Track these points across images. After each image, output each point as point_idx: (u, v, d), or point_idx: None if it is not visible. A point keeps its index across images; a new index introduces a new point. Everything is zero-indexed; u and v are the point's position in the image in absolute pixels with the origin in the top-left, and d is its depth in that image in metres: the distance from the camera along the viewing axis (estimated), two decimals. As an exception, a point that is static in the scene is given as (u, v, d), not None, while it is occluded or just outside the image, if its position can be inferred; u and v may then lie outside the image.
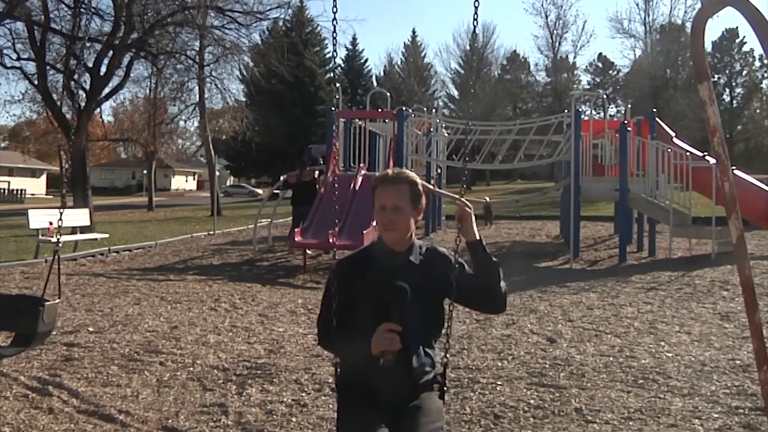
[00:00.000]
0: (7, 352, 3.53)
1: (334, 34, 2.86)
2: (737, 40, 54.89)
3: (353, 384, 2.24)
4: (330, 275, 2.34)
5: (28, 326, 3.31)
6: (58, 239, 3.54)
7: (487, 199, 16.07)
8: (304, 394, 4.20)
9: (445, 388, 2.32)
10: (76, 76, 17.45)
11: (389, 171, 2.34)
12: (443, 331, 2.34)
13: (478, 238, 2.26)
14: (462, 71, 56.14)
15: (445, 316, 2.33)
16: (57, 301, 3.39)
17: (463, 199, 2.32)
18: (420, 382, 2.23)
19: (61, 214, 3.73)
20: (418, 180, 2.30)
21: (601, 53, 58.81)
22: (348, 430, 2.20)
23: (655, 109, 16.15)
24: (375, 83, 57.17)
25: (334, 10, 2.90)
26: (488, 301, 2.32)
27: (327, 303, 2.28)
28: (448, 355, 2.32)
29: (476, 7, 2.58)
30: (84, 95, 17.18)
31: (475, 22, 2.63)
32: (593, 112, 23.88)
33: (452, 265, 2.27)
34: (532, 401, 4.02)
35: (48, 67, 17.12)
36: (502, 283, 2.29)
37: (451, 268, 2.26)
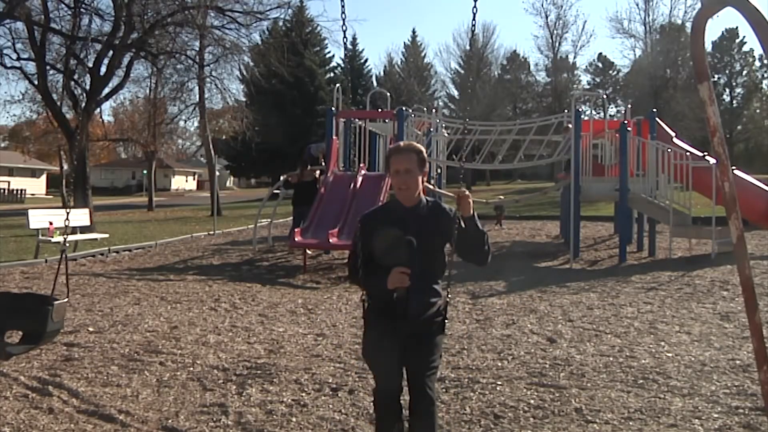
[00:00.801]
0: (16, 350, 3.54)
1: (345, 39, 3.19)
2: (737, 40, 54.88)
3: (377, 314, 2.81)
4: (357, 226, 2.94)
5: (37, 325, 3.32)
6: (65, 239, 3.56)
7: (502, 197, 16.12)
8: (304, 394, 4.20)
9: (446, 321, 2.88)
10: (76, 76, 17.46)
11: (401, 143, 2.96)
12: (445, 272, 2.90)
13: (472, 213, 2.80)
14: (462, 71, 56.13)
15: (446, 259, 2.89)
16: (65, 300, 3.40)
17: (463, 188, 2.86)
18: (427, 313, 2.79)
19: (67, 214, 3.74)
20: (423, 149, 2.90)
21: (601, 53, 58.88)
22: (372, 347, 2.83)
23: (655, 109, 16.15)
24: (375, 83, 57.15)
25: (343, 16, 3.05)
26: (475, 254, 2.87)
27: (354, 247, 2.89)
28: (449, 293, 2.90)
29: (474, 13, 2.77)
30: (84, 95, 17.18)
31: (473, 27, 2.99)
32: (593, 112, 23.90)
33: (452, 218, 2.82)
34: (532, 401, 4.02)
35: (48, 67, 17.12)
36: (486, 246, 2.85)
37: (451, 220, 2.81)
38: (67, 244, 3.58)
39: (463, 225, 2.79)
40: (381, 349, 2.77)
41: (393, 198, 2.94)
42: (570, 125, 13.80)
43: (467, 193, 2.84)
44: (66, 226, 3.62)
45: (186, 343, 5.54)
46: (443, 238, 2.84)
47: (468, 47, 54.96)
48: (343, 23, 3.11)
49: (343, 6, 3.13)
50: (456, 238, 2.79)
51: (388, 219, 2.84)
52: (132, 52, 17.84)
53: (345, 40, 3.17)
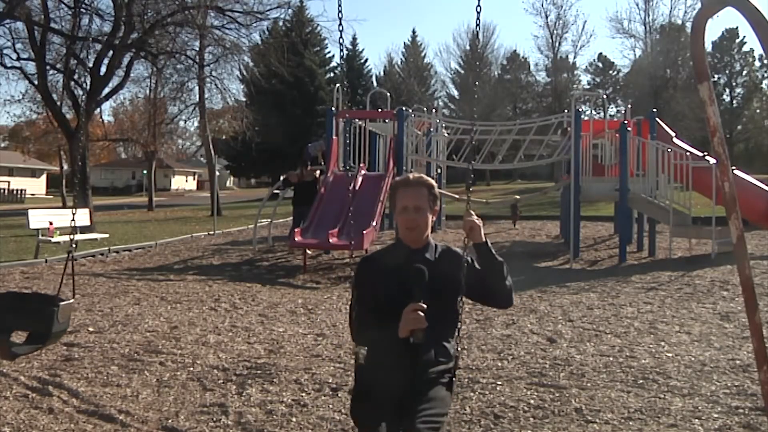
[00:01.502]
0: (22, 351, 3.53)
1: (341, 40, 3.01)
2: (737, 40, 54.85)
3: (371, 377, 2.36)
4: (355, 274, 2.55)
5: (43, 326, 3.32)
6: (72, 239, 3.56)
7: (518, 197, 16.13)
8: (304, 394, 4.20)
9: (454, 379, 2.43)
10: (76, 76, 17.47)
11: (410, 175, 2.53)
12: (458, 326, 2.46)
13: (484, 240, 2.46)
14: (462, 71, 56.13)
15: (458, 311, 2.44)
16: (72, 300, 3.40)
17: (472, 213, 2.51)
18: (433, 372, 2.35)
19: (73, 215, 3.74)
20: (434, 183, 2.53)
21: (601, 53, 58.81)
22: (361, 417, 2.35)
23: (655, 109, 16.15)
24: (375, 83, 57.15)
25: (340, 16, 2.97)
26: (495, 296, 2.51)
27: (354, 300, 2.48)
28: (459, 347, 2.48)
29: (478, 12, 2.70)
30: (84, 95, 17.18)
31: (477, 27, 2.82)
32: (593, 112, 23.89)
33: (462, 262, 2.43)
34: (532, 401, 4.02)
35: (48, 67, 17.14)
36: (508, 281, 2.48)
37: (463, 267, 2.42)
38: (74, 245, 3.58)
39: (474, 258, 2.47)
40: (374, 420, 2.28)
41: (397, 240, 2.58)
42: (568, 128, 13.86)
43: (475, 217, 2.48)
44: (72, 227, 3.62)
45: (186, 343, 5.54)
46: (455, 288, 2.42)
47: (468, 47, 54.91)
48: (340, 23, 3.05)
49: (339, 7, 3.08)
50: (469, 279, 2.42)
51: (392, 263, 2.46)
52: (132, 52, 17.85)
53: (341, 40, 3.05)
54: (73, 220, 3.64)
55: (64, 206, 26.14)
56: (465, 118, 34.70)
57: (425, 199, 2.44)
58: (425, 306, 2.20)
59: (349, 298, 2.55)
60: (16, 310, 3.45)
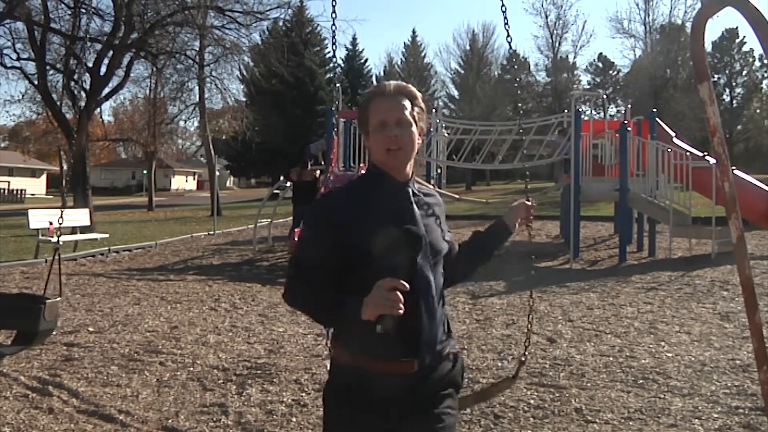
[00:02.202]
0: (9, 351, 3.54)
1: (334, 39, 2.92)
2: (737, 40, 54.86)
3: (352, 385, 1.81)
4: (314, 212, 1.83)
5: (29, 325, 3.32)
6: (58, 237, 3.56)
7: (533, 201, 16.12)
8: (304, 394, 4.20)
9: (462, 379, 1.93)
10: (76, 76, 17.46)
11: (387, 83, 1.85)
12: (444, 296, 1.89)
13: (512, 231, 2.12)
14: (462, 71, 56.11)
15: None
16: (58, 299, 3.40)
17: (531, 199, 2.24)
18: (442, 368, 1.82)
19: (61, 212, 3.75)
20: (419, 94, 1.86)
21: (601, 53, 58.79)
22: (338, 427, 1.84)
23: (655, 109, 16.14)
24: (375, 83, 57.11)
25: (333, 15, 2.94)
26: (468, 271, 2.07)
27: (302, 248, 1.81)
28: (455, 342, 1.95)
29: (503, 12, 2.63)
30: (84, 95, 17.18)
31: (507, 27, 2.76)
32: (593, 112, 23.89)
33: (443, 208, 1.94)
34: (532, 401, 4.02)
35: (48, 67, 17.11)
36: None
37: (442, 212, 1.92)
38: (61, 243, 3.58)
39: (482, 233, 2.06)
40: None
41: (372, 169, 1.85)
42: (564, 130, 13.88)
43: (534, 209, 2.18)
44: (59, 225, 3.63)
45: (186, 343, 5.54)
46: (442, 239, 1.87)
47: (468, 47, 54.89)
48: (333, 23, 3.03)
49: (334, 6, 3.05)
50: (467, 246, 2.00)
51: (370, 201, 1.77)
52: (132, 52, 17.84)
53: (334, 40, 3.02)
54: (60, 218, 3.64)
55: (64, 206, 26.11)
56: (465, 118, 34.69)
57: (409, 112, 1.79)
58: (407, 286, 1.58)
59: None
60: (3, 310, 3.45)
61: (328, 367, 1.99)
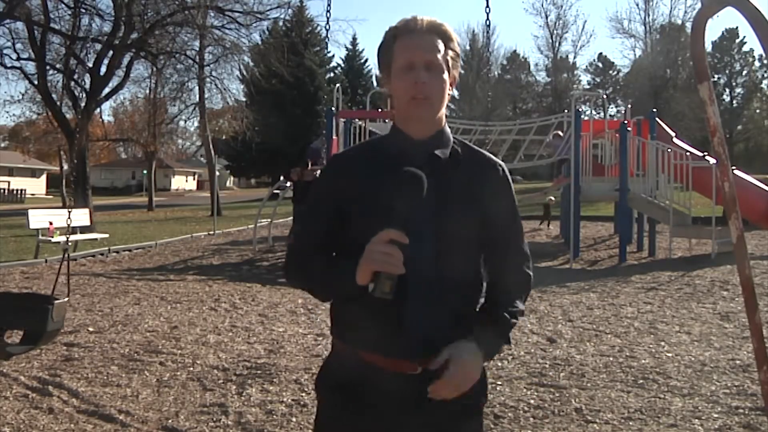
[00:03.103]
0: (16, 350, 3.54)
1: (326, 38, 2.89)
2: (737, 40, 54.92)
3: (347, 375, 1.52)
4: (317, 181, 1.63)
5: (37, 324, 3.33)
6: (68, 238, 3.57)
7: (552, 198, 16.14)
8: (304, 394, 4.20)
9: (486, 399, 1.61)
10: (76, 76, 17.47)
11: (418, 17, 1.54)
12: (482, 292, 1.56)
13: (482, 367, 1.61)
14: (462, 71, 56.07)
15: (480, 263, 1.56)
16: (66, 299, 3.41)
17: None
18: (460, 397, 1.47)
19: (69, 213, 3.76)
20: (454, 34, 1.56)
21: (601, 53, 59.04)
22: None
23: (655, 109, 16.15)
24: (375, 83, 57.14)
25: (328, 15, 2.93)
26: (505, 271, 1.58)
27: (304, 221, 1.61)
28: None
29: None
30: (84, 95, 17.19)
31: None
32: (593, 112, 23.91)
33: (501, 178, 1.56)
34: (532, 401, 4.02)
35: (48, 67, 17.13)
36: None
37: (498, 183, 1.55)
38: (69, 244, 3.59)
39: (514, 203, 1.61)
40: None
41: (394, 129, 1.56)
42: (559, 132, 13.89)
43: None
44: (68, 225, 3.64)
45: (186, 343, 5.54)
46: (484, 218, 1.50)
47: (468, 47, 54.90)
48: (327, 22, 3.03)
49: (328, 6, 3.05)
50: (496, 217, 1.53)
51: (384, 162, 1.49)
52: (132, 52, 17.85)
53: (327, 39, 3.01)
54: (68, 219, 3.65)
55: (64, 206, 26.13)
56: (465, 118, 34.69)
57: (442, 55, 1.49)
58: (407, 239, 1.35)
59: None
60: (11, 310, 3.46)
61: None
